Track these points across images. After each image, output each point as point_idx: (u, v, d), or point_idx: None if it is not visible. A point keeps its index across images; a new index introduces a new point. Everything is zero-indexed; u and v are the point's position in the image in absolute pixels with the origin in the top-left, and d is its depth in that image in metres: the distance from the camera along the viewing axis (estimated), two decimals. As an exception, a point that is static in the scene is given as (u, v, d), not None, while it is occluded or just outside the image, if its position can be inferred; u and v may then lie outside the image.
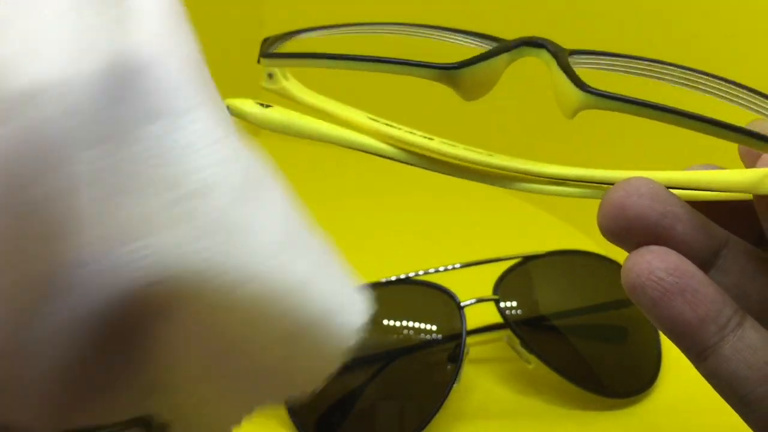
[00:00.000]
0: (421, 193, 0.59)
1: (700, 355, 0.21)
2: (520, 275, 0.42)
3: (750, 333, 0.21)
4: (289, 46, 0.25)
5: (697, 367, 0.22)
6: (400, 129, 0.24)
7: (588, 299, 0.42)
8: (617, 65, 0.23)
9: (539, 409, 0.39)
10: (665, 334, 0.22)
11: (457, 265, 0.42)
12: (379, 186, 0.58)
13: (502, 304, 0.40)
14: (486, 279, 0.41)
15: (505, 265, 0.42)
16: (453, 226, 0.54)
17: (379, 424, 0.37)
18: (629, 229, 0.21)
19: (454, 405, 0.39)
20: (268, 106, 0.24)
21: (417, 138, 0.24)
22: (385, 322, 0.39)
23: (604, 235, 0.22)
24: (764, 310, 0.22)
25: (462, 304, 0.39)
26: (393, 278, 0.40)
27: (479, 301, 0.40)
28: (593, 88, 0.21)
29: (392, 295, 0.40)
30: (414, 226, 0.54)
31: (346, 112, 0.24)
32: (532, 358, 0.40)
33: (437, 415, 0.37)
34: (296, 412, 0.37)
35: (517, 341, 0.40)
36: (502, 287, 0.41)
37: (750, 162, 0.23)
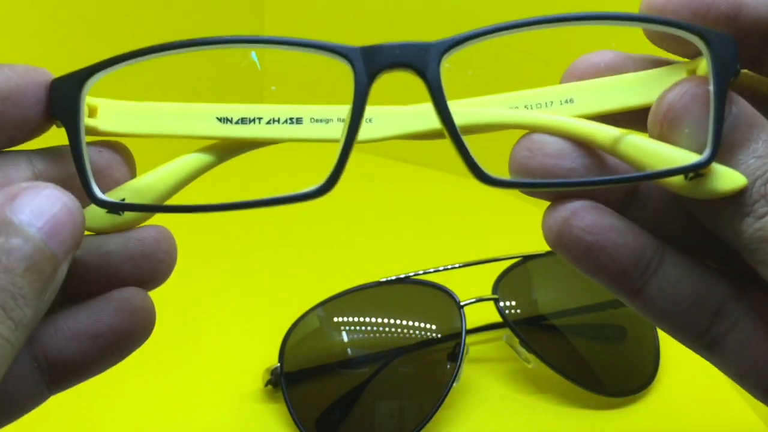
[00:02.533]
0: (422, 193, 0.59)
1: (629, 297, 0.23)
2: (520, 275, 0.42)
3: (670, 270, 0.22)
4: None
5: (632, 306, 0.23)
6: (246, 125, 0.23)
7: (587, 299, 0.42)
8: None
9: (538, 408, 0.40)
10: (594, 280, 0.23)
11: (457, 265, 0.42)
12: (378, 186, 0.58)
13: (501, 304, 0.40)
14: (486, 279, 0.41)
15: (504, 265, 0.42)
16: (453, 226, 0.54)
17: (379, 423, 0.38)
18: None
19: (454, 404, 0.39)
20: (118, 211, 0.22)
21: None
22: (385, 321, 0.40)
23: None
24: (687, 236, 0.23)
25: (462, 303, 0.39)
26: (393, 278, 0.41)
27: (479, 300, 0.40)
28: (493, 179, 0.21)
29: (392, 295, 0.41)
30: (414, 226, 0.55)
31: (179, 128, 0.23)
32: (531, 357, 0.40)
33: (437, 414, 0.37)
34: (297, 411, 0.37)
35: (516, 340, 0.40)
36: (502, 287, 0.41)
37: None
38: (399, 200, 0.57)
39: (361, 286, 0.40)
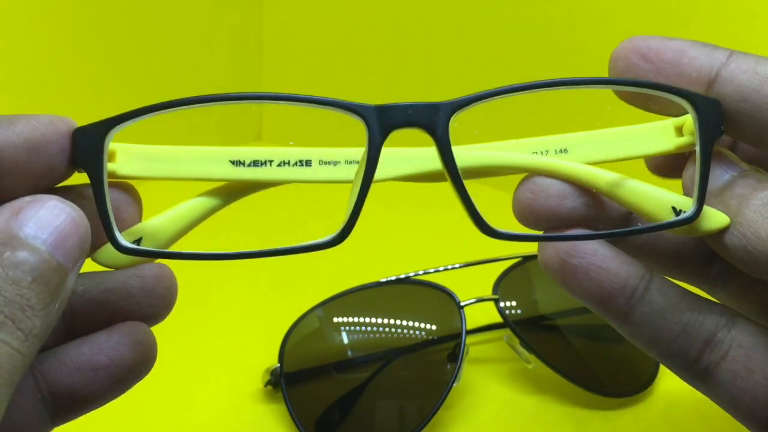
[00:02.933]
0: (422, 193, 0.59)
1: (617, 322, 0.23)
2: (520, 275, 0.42)
3: (656, 297, 0.23)
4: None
5: (621, 333, 0.24)
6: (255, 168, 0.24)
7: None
8: None
9: (538, 409, 0.39)
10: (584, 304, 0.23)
11: (457, 266, 0.42)
12: (378, 186, 0.58)
13: (501, 304, 0.40)
14: (486, 279, 0.41)
15: (505, 265, 0.42)
16: (453, 226, 0.54)
17: (379, 423, 0.38)
18: (540, 221, 0.23)
19: (454, 404, 0.39)
20: (134, 248, 0.22)
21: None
22: (385, 321, 0.40)
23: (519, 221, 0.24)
24: (679, 256, 0.24)
25: (462, 303, 0.39)
26: (393, 278, 0.41)
27: (479, 300, 0.40)
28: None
29: (392, 295, 0.41)
30: (414, 226, 0.55)
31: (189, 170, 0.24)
32: (531, 357, 0.40)
33: (437, 415, 0.37)
34: (297, 411, 0.37)
35: (516, 341, 0.40)
36: (502, 287, 0.41)
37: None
38: (399, 200, 0.57)
39: (361, 286, 0.40)
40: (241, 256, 0.22)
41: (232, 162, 0.23)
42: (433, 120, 0.22)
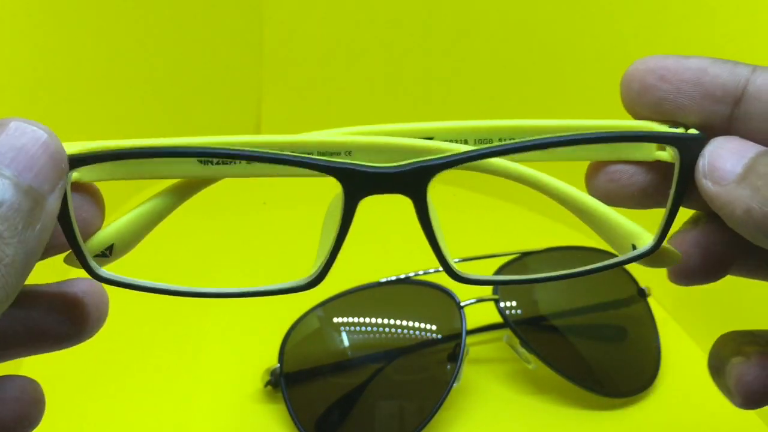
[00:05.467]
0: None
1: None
2: (521, 275, 0.42)
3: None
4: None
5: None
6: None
7: (587, 299, 0.42)
8: None
9: (539, 409, 0.39)
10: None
11: (456, 260, 0.41)
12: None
13: (501, 304, 0.40)
14: (486, 279, 0.41)
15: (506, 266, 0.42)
16: (453, 226, 0.54)
17: (379, 424, 0.38)
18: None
19: (454, 405, 0.39)
20: (105, 255, 0.21)
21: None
22: (385, 322, 0.40)
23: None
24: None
25: (462, 303, 0.39)
26: (393, 278, 0.40)
27: (479, 300, 0.40)
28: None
29: (392, 295, 0.41)
30: (414, 226, 0.54)
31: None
32: (531, 357, 0.40)
33: (437, 415, 0.37)
34: (297, 411, 0.37)
35: (516, 341, 0.40)
36: (502, 287, 0.41)
37: None
38: (399, 200, 0.57)
39: (360, 286, 0.40)
40: (216, 295, 0.22)
41: (201, 162, 0.22)
42: (413, 187, 0.22)
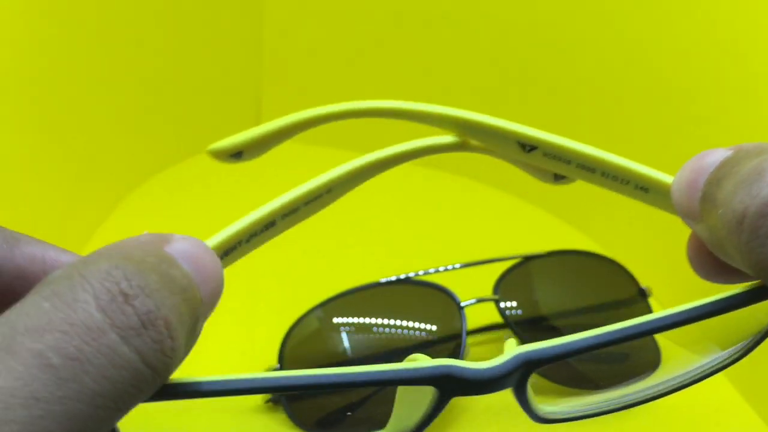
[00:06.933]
0: (422, 193, 0.59)
1: None
2: (521, 275, 0.42)
3: None
4: None
5: None
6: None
7: (588, 299, 0.42)
8: None
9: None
10: None
11: (457, 265, 0.42)
12: (378, 186, 0.58)
13: (502, 304, 0.40)
14: (486, 279, 0.41)
15: (505, 265, 0.42)
16: (453, 226, 0.54)
17: (379, 424, 0.37)
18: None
19: (454, 404, 0.39)
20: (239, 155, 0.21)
21: None
22: (386, 322, 0.39)
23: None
24: None
25: (462, 304, 0.39)
26: (393, 278, 0.40)
27: (479, 301, 0.40)
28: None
29: (392, 295, 0.40)
30: (414, 226, 0.54)
31: None
32: (532, 358, 0.40)
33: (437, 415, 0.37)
34: (296, 412, 0.37)
35: (517, 341, 0.40)
36: (503, 287, 0.41)
37: None
38: (399, 200, 0.57)
39: (360, 286, 0.40)
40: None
41: None
42: (515, 382, 0.20)
